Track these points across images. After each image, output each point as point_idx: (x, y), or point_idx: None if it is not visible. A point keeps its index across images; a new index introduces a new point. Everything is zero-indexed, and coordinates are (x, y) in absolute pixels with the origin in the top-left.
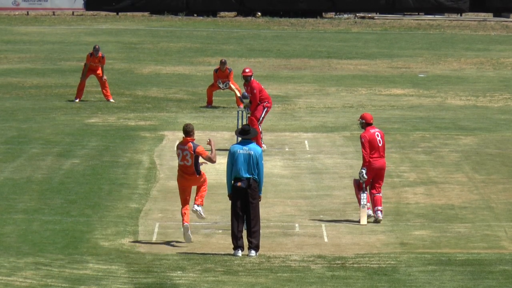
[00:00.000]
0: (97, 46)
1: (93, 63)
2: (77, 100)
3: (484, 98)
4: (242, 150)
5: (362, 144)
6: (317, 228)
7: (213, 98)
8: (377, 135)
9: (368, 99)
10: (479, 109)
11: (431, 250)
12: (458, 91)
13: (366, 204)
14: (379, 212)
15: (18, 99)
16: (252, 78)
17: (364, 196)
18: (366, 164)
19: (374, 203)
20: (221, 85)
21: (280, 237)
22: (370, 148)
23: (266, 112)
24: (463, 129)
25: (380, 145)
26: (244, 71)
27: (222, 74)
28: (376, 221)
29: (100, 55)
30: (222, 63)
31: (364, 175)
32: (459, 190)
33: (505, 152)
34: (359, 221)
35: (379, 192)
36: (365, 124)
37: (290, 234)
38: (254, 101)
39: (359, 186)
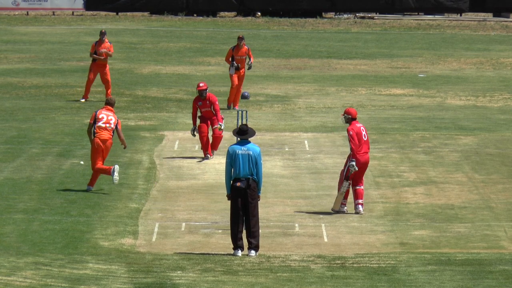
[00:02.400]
0: (103, 30)
1: (99, 49)
2: (83, 100)
3: (484, 98)
4: (241, 150)
5: (351, 136)
6: (317, 228)
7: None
8: (362, 129)
9: (368, 99)
10: (479, 109)
11: (431, 250)
12: (458, 91)
13: (343, 192)
14: (359, 206)
15: (18, 99)
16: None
17: (346, 184)
18: (355, 156)
19: (356, 196)
20: (234, 65)
21: (280, 237)
22: (358, 141)
23: None
24: (463, 129)
25: (365, 139)
26: (198, 86)
27: (238, 51)
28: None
29: (107, 41)
30: (240, 38)
31: (355, 166)
32: (459, 190)
33: (505, 152)
34: (332, 209)
35: (361, 185)
36: (351, 119)
37: (290, 234)
38: (218, 116)
39: (345, 176)
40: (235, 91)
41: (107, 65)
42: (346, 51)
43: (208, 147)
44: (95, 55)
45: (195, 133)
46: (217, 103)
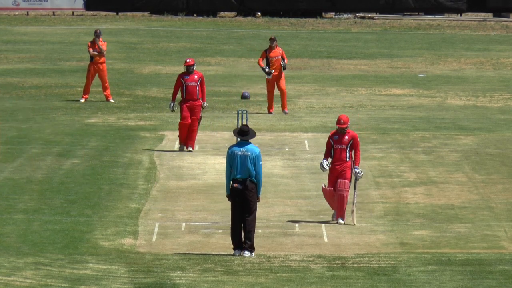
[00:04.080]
0: (97, 30)
1: (95, 49)
2: (83, 100)
3: (484, 98)
4: (239, 151)
5: (359, 143)
6: (317, 228)
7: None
8: None
9: (368, 99)
10: (479, 109)
11: (431, 250)
12: (458, 91)
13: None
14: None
15: (18, 99)
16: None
17: (355, 193)
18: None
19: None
20: (266, 70)
21: (280, 237)
22: None
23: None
24: (463, 129)
25: None
26: (186, 61)
27: (271, 52)
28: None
29: (101, 40)
30: (272, 39)
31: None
32: (459, 190)
33: (505, 152)
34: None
35: None
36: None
37: (290, 234)
38: (204, 95)
39: (355, 186)
40: (272, 96)
41: (105, 65)
42: (346, 51)
43: (186, 139)
44: (93, 52)
45: (174, 108)
46: (204, 81)
